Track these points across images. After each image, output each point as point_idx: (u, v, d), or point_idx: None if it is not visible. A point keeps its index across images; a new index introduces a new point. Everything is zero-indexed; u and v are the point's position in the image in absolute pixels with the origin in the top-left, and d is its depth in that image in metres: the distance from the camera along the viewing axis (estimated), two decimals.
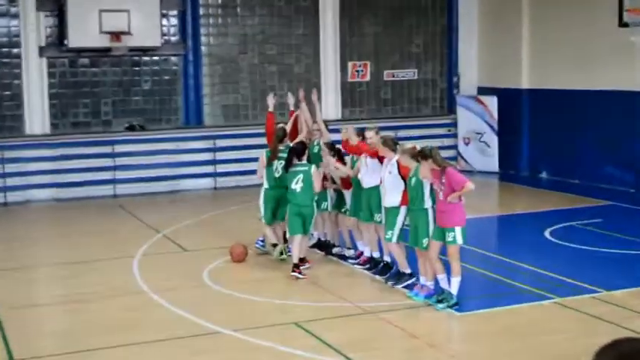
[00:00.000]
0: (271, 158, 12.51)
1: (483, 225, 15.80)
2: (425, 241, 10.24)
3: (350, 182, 12.05)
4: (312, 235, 13.32)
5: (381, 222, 11.23)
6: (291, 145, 12.23)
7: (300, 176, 11.74)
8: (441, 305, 10.03)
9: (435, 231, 10.11)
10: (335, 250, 12.80)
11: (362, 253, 12.16)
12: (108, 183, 19.80)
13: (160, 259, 13.20)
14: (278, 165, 12.49)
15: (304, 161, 11.88)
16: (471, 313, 9.97)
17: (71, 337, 9.51)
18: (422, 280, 10.59)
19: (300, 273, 11.60)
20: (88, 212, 17.74)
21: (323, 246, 13.11)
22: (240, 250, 12.68)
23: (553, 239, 13.90)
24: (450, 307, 10.02)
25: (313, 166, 11.86)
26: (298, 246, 11.71)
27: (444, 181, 9.82)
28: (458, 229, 9.90)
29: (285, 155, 12.17)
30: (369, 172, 11.35)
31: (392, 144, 10.80)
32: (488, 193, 19.81)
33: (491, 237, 15.24)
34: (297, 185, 11.77)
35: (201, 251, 13.61)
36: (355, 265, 12.09)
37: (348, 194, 12.28)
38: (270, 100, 13.53)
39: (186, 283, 11.66)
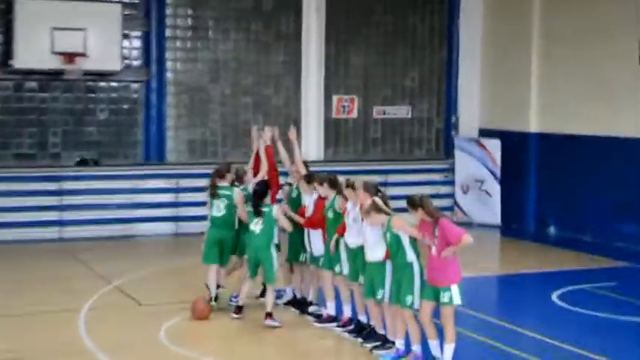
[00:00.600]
0: (212, 194, 13.15)
1: (482, 285, 15.76)
2: (409, 299, 10.24)
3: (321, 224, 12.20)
4: (285, 290, 13.33)
5: (382, 299, 11.03)
6: (253, 186, 12.74)
7: (259, 218, 12.21)
8: None
9: (425, 290, 10.08)
10: (311, 309, 12.74)
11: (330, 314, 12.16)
12: (54, 224, 19.65)
13: (111, 314, 13.07)
14: (220, 203, 13.02)
15: (267, 202, 12.38)
16: None
17: None
18: (397, 343, 10.63)
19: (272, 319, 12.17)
20: (28, 257, 17.59)
21: (298, 303, 13.05)
22: (202, 305, 12.60)
23: (562, 304, 13.88)
24: None
25: (275, 206, 12.36)
26: (269, 293, 12.27)
27: (436, 234, 9.82)
28: (454, 288, 9.88)
29: (226, 193, 12.98)
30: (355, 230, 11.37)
31: (374, 190, 10.89)
32: (488, 250, 19.80)
33: (491, 299, 15.20)
34: (255, 227, 12.23)
35: (159, 306, 13.49)
36: (325, 326, 12.12)
37: (315, 235, 12.28)
38: (267, 134, 13.60)
39: (140, 343, 11.54)
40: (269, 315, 12.22)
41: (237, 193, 13.03)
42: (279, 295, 13.49)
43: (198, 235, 19.54)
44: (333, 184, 12.02)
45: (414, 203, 9.99)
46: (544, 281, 15.62)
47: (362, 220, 10.96)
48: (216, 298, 13.01)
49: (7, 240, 19.08)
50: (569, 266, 17.03)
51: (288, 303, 13.22)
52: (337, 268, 11.86)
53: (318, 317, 12.40)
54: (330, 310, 12.20)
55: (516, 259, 18.36)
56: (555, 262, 17.45)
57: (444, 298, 9.88)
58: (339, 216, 11.71)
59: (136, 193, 20.35)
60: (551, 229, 21.03)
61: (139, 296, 14.06)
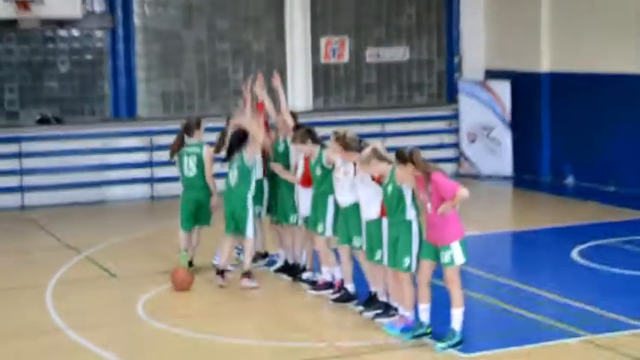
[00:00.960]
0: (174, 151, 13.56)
1: (494, 244, 15.82)
2: (406, 260, 10.30)
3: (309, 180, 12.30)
4: (277, 256, 13.38)
5: (360, 247, 11.26)
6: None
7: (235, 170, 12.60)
8: (441, 345, 10.01)
9: (424, 248, 10.15)
10: (305, 276, 12.78)
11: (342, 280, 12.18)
12: (14, 191, 19.64)
13: (82, 288, 13.07)
14: (190, 161, 13.33)
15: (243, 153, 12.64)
16: (479, 355, 9.94)
17: None
18: (400, 310, 10.68)
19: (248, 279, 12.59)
20: None
21: (290, 269, 13.08)
22: (183, 275, 12.64)
23: (582, 261, 13.94)
24: (453, 346, 10.00)
25: (248, 154, 12.58)
26: (246, 250, 12.73)
27: (430, 190, 9.84)
28: (456, 245, 9.93)
29: (195, 150, 13.35)
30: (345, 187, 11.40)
31: (355, 145, 10.93)
32: (499, 204, 19.86)
33: (504, 258, 15.27)
34: (231, 179, 12.68)
35: (135, 277, 13.53)
36: (311, 291, 12.22)
37: (305, 194, 12.33)
38: (260, 85, 13.32)
39: (116, 319, 11.56)
40: (245, 275, 12.55)
41: (206, 151, 13.26)
42: (271, 260, 13.53)
43: (175, 197, 19.62)
44: (315, 138, 12.03)
45: (402, 157, 9.99)
46: (562, 237, 15.67)
47: (354, 174, 11.02)
48: (190, 264, 13.41)
49: None
50: (589, 219, 17.08)
51: (280, 269, 13.25)
52: (320, 228, 11.91)
53: (313, 284, 12.43)
54: (325, 275, 12.21)
55: (531, 214, 18.42)
56: (574, 216, 17.49)
57: (445, 258, 9.93)
58: (328, 172, 11.72)
59: (106, 154, 20.32)
60: (569, 179, 21.06)
61: (113, 267, 14.07)
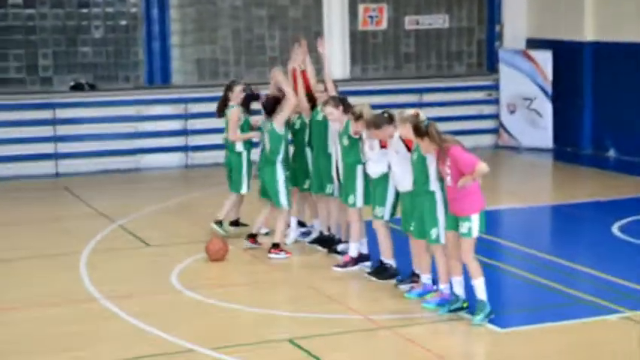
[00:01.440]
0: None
1: (532, 217, 15.83)
2: (434, 232, 10.44)
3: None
4: (313, 226, 13.46)
5: (382, 217, 11.36)
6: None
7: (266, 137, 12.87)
8: (477, 318, 10.09)
9: (447, 220, 10.27)
10: (340, 247, 12.84)
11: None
12: (48, 158, 19.82)
13: (116, 257, 13.22)
14: (225, 122, 13.85)
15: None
16: (515, 330, 10.01)
17: None
18: (423, 278, 10.88)
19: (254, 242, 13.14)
20: (22, 195, 17.78)
21: (325, 241, 13.16)
22: (219, 245, 12.73)
23: (623, 236, 13.93)
24: (487, 316, 10.13)
25: (276, 120, 12.73)
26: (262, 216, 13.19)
27: (448, 164, 9.91)
28: (475, 217, 10.03)
29: (226, 112, 13.75)
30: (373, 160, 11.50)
31: (384, 119, 11.00)
32: (539, 176, 19.82)
33: (543, 233, 15.27)
34: (265, 145, 12.93)
35: (169, 246, 13.65)
36: (336, 268, 12.22)
37: None
38: (303, 52, 13.55)
39: (150, 288, 11.69)
40: (275, 246, 12.76)
41: (232, 112, 13.58)
42: (307, 231, 13.62)
43: (210, 166, 19.78)
44: (346, 108, 12.10)
45: (419, 131, 10.06)
46: (603, 211, 15.65)
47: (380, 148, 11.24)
48: (220, 223, 13.80)
49: None
50: (631, 193, 17.03)
51: (315, 241, 13.32)
52: (351, 200, 11.99)
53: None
54: (352, 252, 12.22)
55: (571, 187, 18.36)
56: (616, 189, 17.44)
57: (463, 228, 10.05)
58: (356, 142, 11.79)
59: (140, 121, 20.46)
60: (611, 152, 20.99)
61: (147, 236, 14.20)
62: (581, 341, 9.66)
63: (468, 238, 10.07)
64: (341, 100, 12.28)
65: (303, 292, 11.41)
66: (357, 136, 11.76)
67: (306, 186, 13.18)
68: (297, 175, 13.20)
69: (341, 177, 12.32)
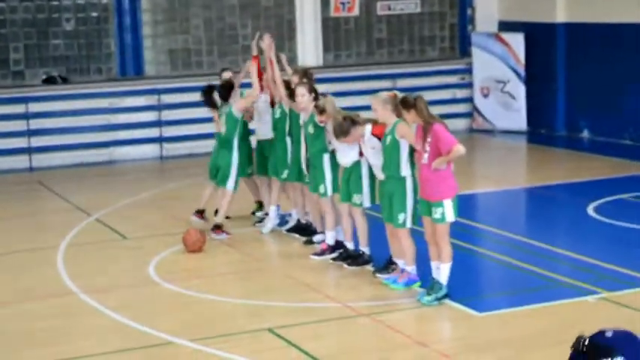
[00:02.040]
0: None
1: (508, 200, 15.91)
2: (401, 216, 10.56)
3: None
4: (290, 214, 13.50)
5: (361, 204, 11.41)
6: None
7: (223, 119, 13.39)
8: (427, 298, 10.27)
9: (421, 205, 10.38)
10: (316, 238, 12.83)
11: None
12: (21, 152, 19.77)
13: (92, 250, 13.21)
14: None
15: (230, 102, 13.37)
16: (493, 314, 10.08)
17: None
18: (400, 263, 10.94)
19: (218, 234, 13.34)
20: None
21: (302, 229, 13.20)
22: (196, 236, 12.74)
23: (598, 217, 14.02)
24: (439, 299, 10.27)
25: (234, 104, 13.29)
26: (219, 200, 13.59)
27: (429, 140, 9.97)
28: (447, 203, 10.11)
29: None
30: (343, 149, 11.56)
31: (349, 123, 11.06)
32: (513, 159, 19.90)
33: (518, 215, 15.35)
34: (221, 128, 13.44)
35: (146, 239, 13.65)
36: (313, 257, 12.25)
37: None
38: (267, 41, 13.51)
39: (128, 281, 11.70)
40: (216, 227, 13.33)
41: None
42: (283, 220, 13.65)
43: (185, 157, 19.77)
44: (316, 96, 12.21)
45: (407, 103, 10.12)
46: (578, 192, 15.75)
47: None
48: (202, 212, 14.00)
49: None
50: (606, 174, 17.15)
51: (292, 229, 13.36)
52: (321, 189, 12.08)
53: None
54: (329, 240, 12.28)
55: (546, 169, 18.45)
56: (590, 171, 17.55)
57: (436, 214, 10.14)
58: (321, 130, 11.87)
59: (113, 113, 20.42)
60: (585, 133, 21.09)
61: (123, 229, 14.20)
62: (560, 323, 9.71)
63: (442, 223, 10.14)
64: (314, 90, 12.32)
65: (282, 282, 11.45)
66: (322, 124, 11.81)
67: (284, 175, 13.18)
68: (276, 165, 13.22)
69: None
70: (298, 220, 13.41)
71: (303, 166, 12.59)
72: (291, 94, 12.76)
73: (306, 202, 13.10)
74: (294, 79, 12.93)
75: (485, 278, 11.74)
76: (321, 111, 11.72)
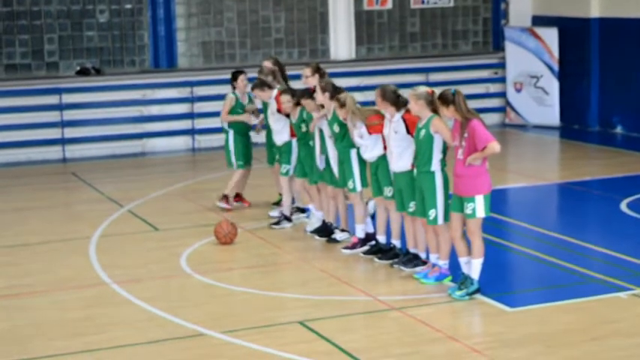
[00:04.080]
0: None
1: (540, 195, 15.84)
2: (432, 212, 10.56)
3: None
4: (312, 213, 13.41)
5: (393, 196, 11.40)
6: None
7: None
8: (459, 293, 10.27)
9: (452, 201, 10.33)
10: (339, 236, 12.71)
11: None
12: (55, 143, 19.87)
13: (124, 241, 13.27)
14: None
15: None
16: (525, 309, 10.06)
17: (12, 340, 9.60)
18: (432, 258, 10.95)
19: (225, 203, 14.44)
20: (29, 181, 17.81)
21: (324, 230, 13.07)
22: (228, 228, 12.77)
23: (632, 213, 13.94)
24: (470, 294, 10.27)
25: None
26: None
27: (465, 136, 9.96)
28: (479, 199, 10.10)
29: None
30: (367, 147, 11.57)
31: (393, 96, 11.01)
32: (546, 154, 19.82)
33: (551, 211, 15.28)
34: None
35: (178, 230, 13.70)
36: (344, 250, 12.24)
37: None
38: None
39: (159, 272, 11.74)
40: (224, 197, 14.46)
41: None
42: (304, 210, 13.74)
43: (217, 149, 19.80)
44: (333, 94, 12.06)
45: (446, 99, 10.13)
46: (611, 188, 15.65)
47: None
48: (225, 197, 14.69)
49: (3, 162, 19.31)
50: (639, 170, 17.03)
51: (316, 231, 13.13)
52: (350, 185, 12.04)
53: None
54: (359, 233, 12.26)
55: (579, 165, 18.37)
56: (624, 167, 17.45)
57: (468, 209, 10.14)
58: (346, 127, 11.86)
59: (146, 105, 20.49)
60: (618, 129, 20.98)
61: (155, 220, 14.25)
62: (592, 319, 9.68)
63: (473, 218, 10.12)
64: (331, 87, 12.19)
65: (313, 275, 11.45)
66: (346, 122, 11.82)
67: (313, 179, 13.04)
68: (304, 167, 13.16)
69: (332, 164, 12.32)
70: (323, 221, 13.21)
71: (318, 163, 12.56)
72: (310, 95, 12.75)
73: (324, 200, 12.98)
74: (307, 73, 12.95)
75: (516, 274, 11.70)
76: (342, 105, 11.71)
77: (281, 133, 13.46)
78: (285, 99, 12.95)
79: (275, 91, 13.55)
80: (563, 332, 9.35)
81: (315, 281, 11.18)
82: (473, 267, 10.29)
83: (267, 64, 14.17)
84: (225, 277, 11.35)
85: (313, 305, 10.33)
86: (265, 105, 13.96)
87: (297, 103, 12.88)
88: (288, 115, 13.23)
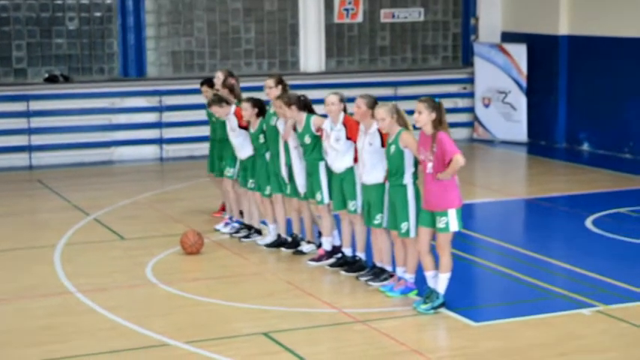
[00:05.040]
0: None
1: (507, 211, 15.89)
2: (404, 225, 10.55)
3: None
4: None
5: (355, 211, 11.43)
6: None
7: None
8: (424, 306, 10.28)
9: (421, 215, 10.34)
10: (305, 248, 12.71)
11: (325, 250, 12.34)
12: (21, 150, 19.77)
13: (90, 250, 13.20)
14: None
15: None
16: (489, 324, 10.08)
17: None
18: (399, 271, 10.95)
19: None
20: None
21: (283, 243, 12.98)
22: (194, 238, 12.73)
23: (596, 230, 14.01)
24: (435, 308, 10.29)
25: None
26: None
27: (434, 149, 9.98)
28: (452, 213, 10.10)
29: None
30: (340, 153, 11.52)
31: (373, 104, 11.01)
32: (513, 170, 19.89)
33: (517, 226, 15.33)
34: None
35: (144, 240, 13.65)
36: (310, 262, 12.23)
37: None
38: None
39: (125, 281, 11.69)
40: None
41: None
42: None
43: (185, 159, 19.76)
44: (304, 105, 12.06)
45: (433, 104, 10.12)
46: (577, 205, 15.72)
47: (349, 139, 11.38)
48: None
49: None
50: (605, 187, 17.14)
51: (274, 244, 13.03)
52: (318, 197, 12.02)
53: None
54: (325, 245, 12.25)
55: (545, 181, 18.44)
56: (590, 184, 17.54)
57: (440, 223, 10.14)
58: (318, 139, 11.85)
59: (114, 113, 20.42)
60: (585, 146, 21.09)
61: (121, 229, 14.20)
62: (557, 335, 9.71)
63: (445, 232, 10.13)
64: (296, 99, 12.12)
65: (278, 286, 11.43)
66: (318, 134, 11.80)
67: (267, 192, 12.95)
68: (258, 180, 13.10)
69: (297, 176, 12.28)
70: (279, 235, 13.09)
71: (284, 175, 12.50)
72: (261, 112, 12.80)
73: (289, 212, 12.91)
74: (270, 84, 12.68)
75: (482, 288, 11.73)
76: (288, 104, 11.88)
77: (244, 148, 13.18)
78: (246, 106, 12.75)
79: (233, 107, 13.26)
80: (528, 347, 9.37)
81: (281, 293, 11.16)
82: (440, 281, 10.30)
83: (223, 75, 13.71)
84: (191, 288, 11.31)
85: (278, 317, 10.31)
86: (222, 122, 13.61)
87: (259, 114, 12.83)
88: (246, 129, 13.12)
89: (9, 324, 10.20)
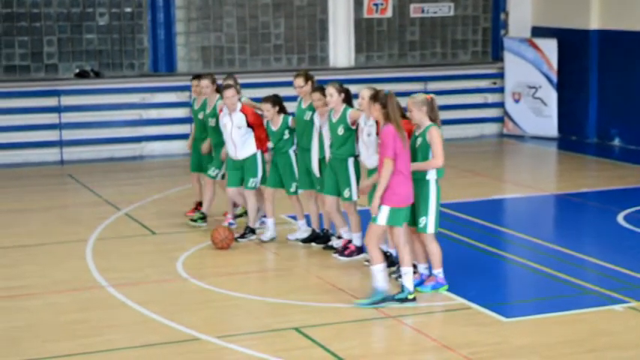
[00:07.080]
0: None
1: (537, 206, 15.86)
2: (422, 220, 10.62)
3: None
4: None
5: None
6: None
7: None
8: (363, 301, 10.37)
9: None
10: (335, 243, 12.70)
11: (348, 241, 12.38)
12: (52, 145, 19.88)
13: (121, 245, 13.27)
14: None
15: None
16: (520, 320, 10.05)
17: (6, 341, 9.59)
18: (420, 268, 11.02)
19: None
20: (27, 183, 17.82)
21: (318, 238, 13.01)
22: (224, 233, 12.77)
23: (628, 226, 13.96)
24: (373, 305, 10.32)
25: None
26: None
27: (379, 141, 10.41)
28: (384, 209, 10.24)
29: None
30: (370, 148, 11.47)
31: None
32: (543, 165, 19.83)
33: (548, 222, 15.28)
34: None
35: (174, 234, 13.71)
36: (340, 257, 12.25)
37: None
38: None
39: (155, 276, 11.75)
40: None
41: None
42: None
43: None
44: (347, 97, 12.02)
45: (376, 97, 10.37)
46: (608, 201, 15.68)
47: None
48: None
49: (0, 164, 19.31)
50: (636, 183, 17.07)
51: (308, 239, 13.05)
52: (346, 193, 12.01)
53: (342, 250, 12.46)
54: (356, 241, 12.25)
55: (576, 176, 18.38)
56: (620, 179, 17.48)
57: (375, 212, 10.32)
58: (352, 133, 11.84)
59: (144, 109, 20.50)
60: (616, 141, 21.00)
61: (152, 224, 14.26)
62: (588, 331, 9.68)
63: (374, 223, 10.25)
64: (343, 90, 12.12)
65: (309, 281, 11.45)
66: (354, 127, 11.77)
67: (292, 189, 12.98)
68: (279, 177, 13.05)
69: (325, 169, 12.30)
70: (313, 230, 13.12)
71: (316, 171, 12.44)
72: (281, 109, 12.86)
73: (320, 208, 12.92)
74: (300, 82, 12.55)
75: (513, 284, 11.71)
76: (339, 91, 11.88)
77: (246, 147, 13.01)
78: (267, 107, 12.73)
79: (239, 104, 13.00)
80: (559, 343, 9.35)
81: (312, 288, 11.18)
82: (375, 275, 10.38)
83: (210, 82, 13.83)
84: (222, 282, 11.35)
85: (309, 312, 10.32)
86: (217, 128, 13.43)
87: (280, 111, 12.83)
88: (251, 127, 13.01)
89: (42, 318, 10.27)
